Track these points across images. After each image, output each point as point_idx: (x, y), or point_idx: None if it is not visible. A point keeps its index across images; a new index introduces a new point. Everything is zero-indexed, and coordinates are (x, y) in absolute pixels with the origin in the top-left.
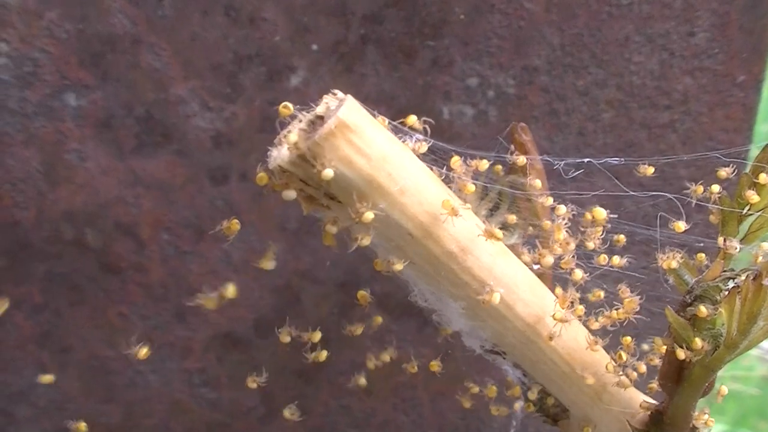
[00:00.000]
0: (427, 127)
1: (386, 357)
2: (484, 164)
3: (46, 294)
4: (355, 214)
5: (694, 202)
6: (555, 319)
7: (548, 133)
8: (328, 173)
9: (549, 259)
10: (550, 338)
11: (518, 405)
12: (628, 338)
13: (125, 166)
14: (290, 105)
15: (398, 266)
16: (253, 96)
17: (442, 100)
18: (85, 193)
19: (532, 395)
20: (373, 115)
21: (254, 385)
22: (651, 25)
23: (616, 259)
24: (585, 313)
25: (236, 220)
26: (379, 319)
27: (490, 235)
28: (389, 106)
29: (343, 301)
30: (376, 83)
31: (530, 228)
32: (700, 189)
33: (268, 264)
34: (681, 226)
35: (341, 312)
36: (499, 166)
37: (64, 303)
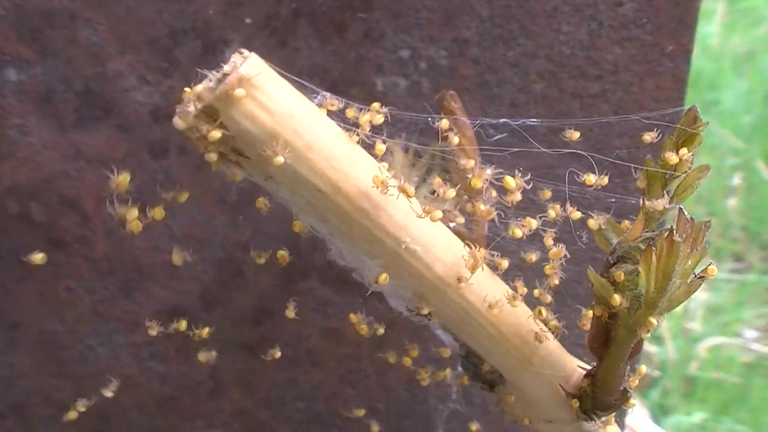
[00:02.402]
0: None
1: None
2: (369, 116)
3: None
4: (271, 154)
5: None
6: (466, 267)
7: (481, 105)
8: (215, 135)
9: (437, 214)
10: (459, 281)
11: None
12: (541, 291)
13: (67, 141)
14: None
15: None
16: (189, 70)
17: (375, 73)
18: (29, 167)
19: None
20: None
21: (204, 360)
22: None
23: (533, 223)
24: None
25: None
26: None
27: (402, 189)
28: (323, 79)
29: (285, 273)
30: (309, 57)
31: (463, 195)
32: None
33: (177, 259)
34: (591, 179)
35: (284, 284)
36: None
37: (12, 278)
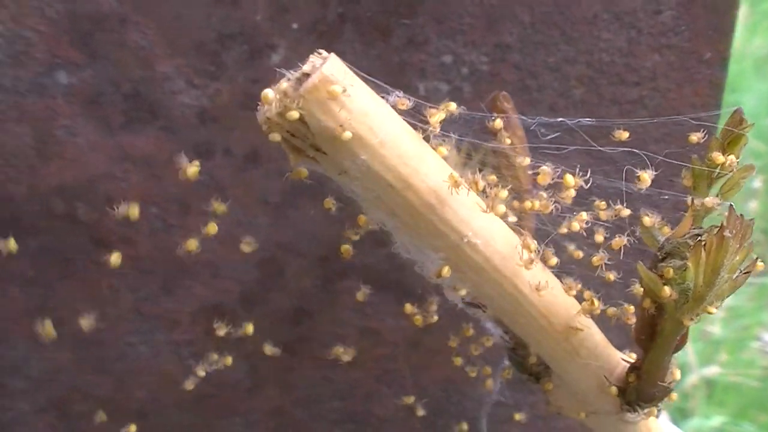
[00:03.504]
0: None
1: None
2: (439, 115)
3: (39, 268)
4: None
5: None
6: (521, 261)
7: (521, 109)
8: (294, 115)
9: (502, 208)
10: (538, 289)
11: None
12: (590, 293)
13: (114, 142)
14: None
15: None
16: (235, 74)
17: (418, 77)
18: (76, 168)
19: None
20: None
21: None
22: (618, 3)
23: (584, 215)
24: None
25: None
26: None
27: (475, 183)
28: (366, 83)
29: (325, 273)
30: (353, 61)
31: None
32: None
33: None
34: (646, 177)
35: (323, 284)
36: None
37: (56, 276)
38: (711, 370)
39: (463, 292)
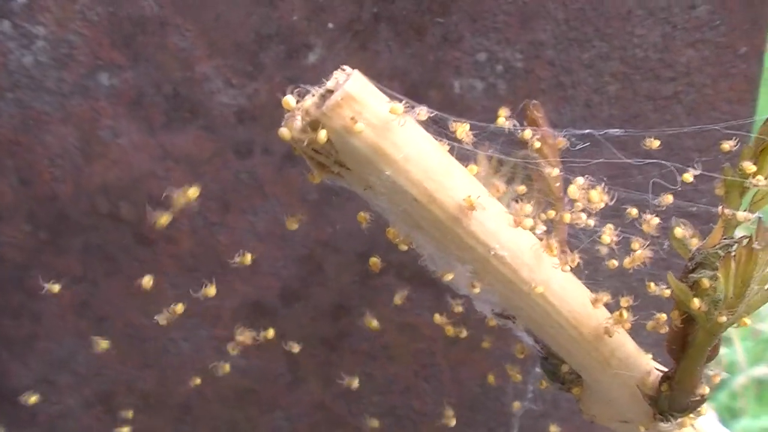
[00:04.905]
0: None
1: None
2: (462, 128)
3: (84, 265)
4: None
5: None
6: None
7: (556, 106)
8: (322, 135)
9: (528, 222)
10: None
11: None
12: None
13: (155, 142)
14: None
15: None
16: (273, 73)
17: (453, 75)
18: (119, 167)
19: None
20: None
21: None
22: None
23: (610, 230)
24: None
25: None
26: None
27: (470, 206)
28: (402, 81)
29: (363, 270)
30: (389, 59)
31: (543, 201)
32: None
33: (292, 225)
34: (688, 177)
35: (362, 280)
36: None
37: (101, 273)
38: (761, 370)
39: (477, 290)
